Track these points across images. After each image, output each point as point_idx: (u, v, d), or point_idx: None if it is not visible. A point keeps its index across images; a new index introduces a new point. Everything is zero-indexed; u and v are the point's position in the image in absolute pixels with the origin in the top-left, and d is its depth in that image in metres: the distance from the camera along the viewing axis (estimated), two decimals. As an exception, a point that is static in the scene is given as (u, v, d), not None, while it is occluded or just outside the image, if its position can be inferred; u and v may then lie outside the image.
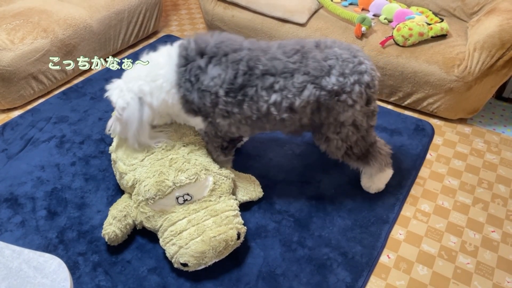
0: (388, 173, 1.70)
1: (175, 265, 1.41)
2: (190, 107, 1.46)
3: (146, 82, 1.44)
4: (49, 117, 2.12)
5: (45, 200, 1.69)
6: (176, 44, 1.47)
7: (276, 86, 1.38)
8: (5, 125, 2.06)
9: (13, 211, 1.64)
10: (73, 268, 1.46)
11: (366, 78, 1.42)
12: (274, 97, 1.39)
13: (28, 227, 1.58)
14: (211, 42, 1.42)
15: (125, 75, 1.51)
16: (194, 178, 1.44)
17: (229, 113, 1.44)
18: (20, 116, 2.13)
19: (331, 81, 1.38)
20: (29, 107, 2.20)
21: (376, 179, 1.70)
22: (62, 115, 2.14)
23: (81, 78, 2.43)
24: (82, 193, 1.72)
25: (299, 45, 1.44)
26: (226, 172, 1.55)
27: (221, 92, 1.39)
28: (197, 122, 1.54)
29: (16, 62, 2.05)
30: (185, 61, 1.41)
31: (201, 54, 1.41)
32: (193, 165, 1.48)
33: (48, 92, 2.31)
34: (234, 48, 1.41)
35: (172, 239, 1.39)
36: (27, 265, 0.91)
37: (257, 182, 1.68)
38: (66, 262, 1.47)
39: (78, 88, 2.34)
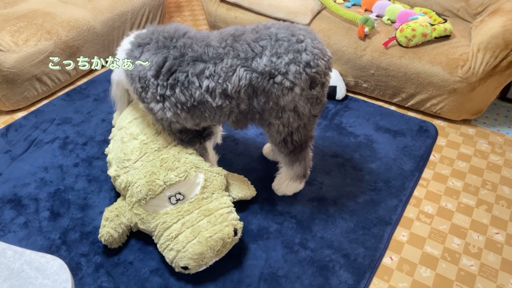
0: (300, 186, 1.73)
1: (176, 270, 1.41)
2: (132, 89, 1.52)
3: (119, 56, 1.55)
4: (53, 119, 2.13)
5: (48, 201, 1.69)
6: (136, 33, 1.54)
7: (207, 72, 1.37)
8: (9, 126, 2.08)
9: (16, 212, 1.65)
10: (75, 269, 1.46)
11: (304, 56, 1.34)
12: (206, 83, 1.37)
13: (31, 228, 1.59)
14: (151, 31, 1.47)
15: None
16: (183, 175, 1.45)
17: (163, 97, 1.43)
18: (24, 117, 2.14)
19: (262, 62, 1.34)
20: (32, 108, 2.22)
21: (286, 184, 1.71)
22: (66, 117, 2.15)
23: (84, 80, 2.44)
24: (85, 194, 1.73)
25: (235, 30, 1.42)
26: (217, 168, 1.55)
27: (149, 75, 1.41)
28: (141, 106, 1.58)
29: (20, 64, 2.06)
30: (131, 50, 1.49)
31: (139, 44, 1.46)
32: (183, 163, 1.48)
33: (52, 94, 2.33)
34: (170, 36, 1.43)
35: (169, 244, 1.39)
36: (29, 266, 0.92)
37: (249, 182, 1.68)
38: (69, 263, 1.47)
39: (81, 89, 2.35)
